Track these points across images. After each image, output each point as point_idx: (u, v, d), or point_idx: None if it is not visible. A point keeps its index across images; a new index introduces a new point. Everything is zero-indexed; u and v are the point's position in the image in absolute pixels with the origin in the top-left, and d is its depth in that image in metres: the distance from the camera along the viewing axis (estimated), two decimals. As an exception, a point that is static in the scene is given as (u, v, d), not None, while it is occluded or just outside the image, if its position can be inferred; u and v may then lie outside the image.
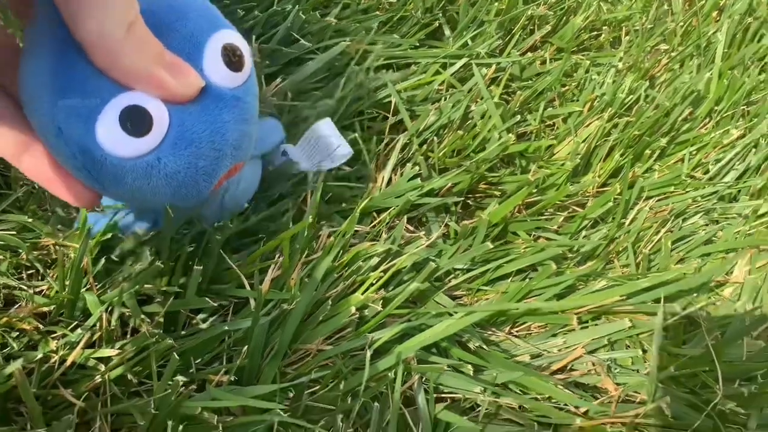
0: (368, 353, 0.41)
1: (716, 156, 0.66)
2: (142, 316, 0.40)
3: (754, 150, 0.66)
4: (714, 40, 0.77)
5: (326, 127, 0.55)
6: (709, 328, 0.52)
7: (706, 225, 0.62)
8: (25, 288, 0.42)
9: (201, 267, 0.42)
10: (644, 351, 0.52)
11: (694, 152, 0.66)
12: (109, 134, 0.29)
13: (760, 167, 0.67)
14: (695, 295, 0.55)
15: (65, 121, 0.29)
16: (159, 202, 0.36)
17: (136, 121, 0.29)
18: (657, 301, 0.52)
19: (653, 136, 0.65)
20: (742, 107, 0.71)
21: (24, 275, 0.43)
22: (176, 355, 0.38)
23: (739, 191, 0.65)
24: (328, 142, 0.54)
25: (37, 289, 0.42)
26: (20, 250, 0.42)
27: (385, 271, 0.47)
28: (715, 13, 0.82)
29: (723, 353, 0.52)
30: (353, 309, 0.44)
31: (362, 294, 0.44)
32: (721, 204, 0.63)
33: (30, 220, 0.43)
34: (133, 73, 0.29)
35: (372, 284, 0.46)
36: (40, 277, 0.43)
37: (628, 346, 0.53)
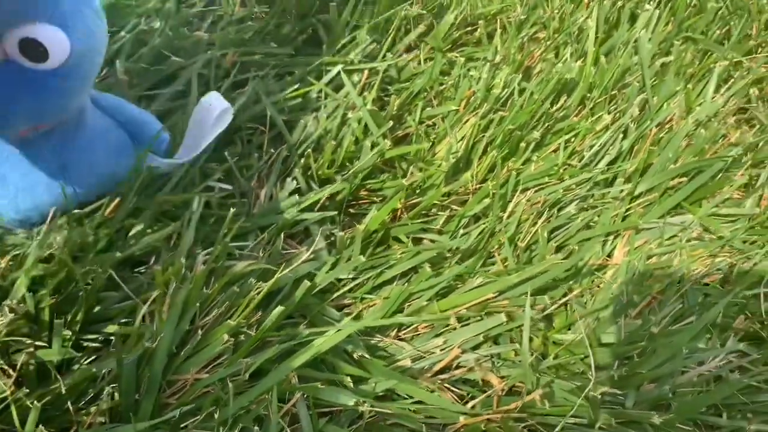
0: (241, 379, 0.41)
1: (590, 143, 0.69)
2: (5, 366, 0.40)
3: (622, 135, 0.69)
4: (585, 26, 0.79)
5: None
6: (583, 314, 0.54)
7: (584, 211, 0.64)
8: None
9: (62, 320, 0.41)
10: (531, 342, 0.53)
11: (570, 140, 0.68)
12: None
13: (633, 149, 0.69)
14: (571, 282, 0.57)
15: None
16: None
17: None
18: (533, 293, 0.54)
19: (528, 129, 0.66)
20: (614, 92, 0.74)
21: None
22: (36, 403, 0.37)
23: (615, 176, 0.67)
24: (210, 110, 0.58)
25: None
26: None
27: (259, 292, 0.47)
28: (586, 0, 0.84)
29: (598, 338, 0.54)
30: (226, 336, 0.44)
31: (234, 320, 0.44)
32: (597, 189, 0.66)
33: None
34: None
35: (247, 307, 0.46)
36: None
37: (513, 340, 0.54)
